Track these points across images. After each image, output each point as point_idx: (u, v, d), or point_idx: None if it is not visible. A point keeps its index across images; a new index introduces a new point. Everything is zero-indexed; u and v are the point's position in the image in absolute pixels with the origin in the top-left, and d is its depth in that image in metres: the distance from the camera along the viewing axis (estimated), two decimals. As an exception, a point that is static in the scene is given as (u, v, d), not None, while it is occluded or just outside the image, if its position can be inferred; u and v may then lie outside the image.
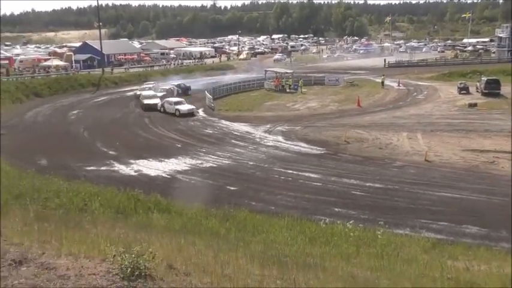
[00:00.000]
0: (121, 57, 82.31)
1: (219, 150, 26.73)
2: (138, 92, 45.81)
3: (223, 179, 21.17)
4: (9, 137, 31.37)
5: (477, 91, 44.18)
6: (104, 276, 4.83)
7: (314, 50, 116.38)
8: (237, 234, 12.16)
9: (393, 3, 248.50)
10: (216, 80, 57.97)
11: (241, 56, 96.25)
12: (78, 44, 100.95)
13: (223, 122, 35.46)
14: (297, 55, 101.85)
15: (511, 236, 13.89)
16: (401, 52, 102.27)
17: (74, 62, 73.64)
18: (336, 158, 24.90)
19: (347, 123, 32.61)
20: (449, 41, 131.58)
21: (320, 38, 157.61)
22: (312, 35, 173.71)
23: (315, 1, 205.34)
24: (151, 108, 39.70)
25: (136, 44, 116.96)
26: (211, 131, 32.41)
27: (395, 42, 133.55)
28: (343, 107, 40.87)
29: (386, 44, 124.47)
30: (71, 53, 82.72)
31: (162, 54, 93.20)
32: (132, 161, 24.63)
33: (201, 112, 40.12)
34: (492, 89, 42.38)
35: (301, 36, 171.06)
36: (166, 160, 24.70)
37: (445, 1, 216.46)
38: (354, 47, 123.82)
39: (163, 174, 22.30)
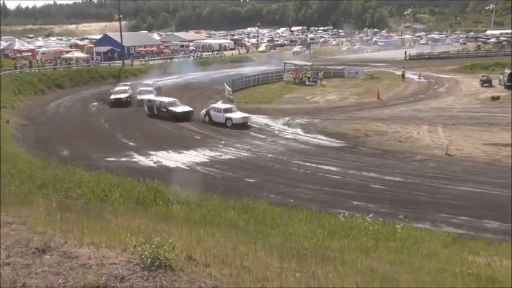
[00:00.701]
0: (141, 49, 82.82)
1: (238, 142, 26.78)
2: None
3: (242, 171, 21.23)
4: (32, 128, 31.97)
5: (500, 84, 43.24)
6: (124, 266, 4.87)
7: (333, 42, 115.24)
8: (256, 226, 12.18)
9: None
10: (235, 72, 58.00)
11: (260, 48, 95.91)
12: (98, 36, 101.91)
13: (242, 114, 35.43)
14: (316, 47, 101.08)
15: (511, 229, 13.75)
16: (422, 44, 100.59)
17: (94, 54, 74.38)
18: (355, 151, 24.75)
19: (366, 116, 32.33)
20: (471, 33, 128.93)
21: (340, 30, 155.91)
22: (331, 27, 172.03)
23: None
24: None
25: (156, 36, 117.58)
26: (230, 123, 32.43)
27: (416, 34, 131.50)
28: (362, 99, 40.52)
29: (407, 36, 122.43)
30: (92, 45, 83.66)
31: (182, 46, 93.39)
32: (151, 152, 24.85)
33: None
34: (515, 82, 41.47)
35: (321, 28, 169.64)
36: (185, 152, 24.86)
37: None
38: (374, 39, 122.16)
39: (183, 166, 22.44)
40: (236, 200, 15.18)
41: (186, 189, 15.97)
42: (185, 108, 33.58)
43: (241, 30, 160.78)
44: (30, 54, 68.14)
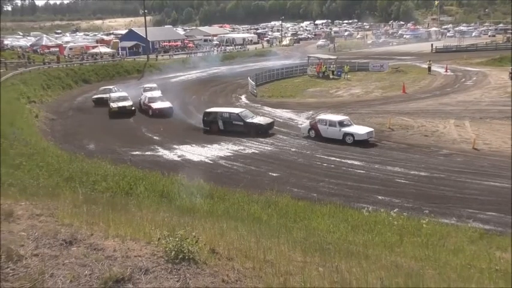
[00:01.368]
0: (165, 44, 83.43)
1: (261, 136, 26.77)
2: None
3: (265, 165, 21.22)
4: (60, 122, 32.59)
5: (529, 77, 42.19)
6: (149, 258, 4.94)
7: (358, 36, 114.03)
8: (279, 220, 12.18)
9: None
10: (258, 66, 57.96)
11: (284, 42, 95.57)
12: (124, 32, 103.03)
13: (266, 108, 35.46)
14: (341, 41, 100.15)
15: (511, 222, 13.51)
16: (449, 37, 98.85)
17: (120, 49, 75.32)
18: (380, 145, 24.49)
19: (391, 110, 31.94)
20: (500, 25, 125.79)
21: (364, 23, 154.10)
22: (356, 20, 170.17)
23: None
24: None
25: (180, 30, 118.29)
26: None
27: (443, 27, 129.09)
28: (387, 93, 40.03)
29: (433, 29, 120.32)
30: (117, 40, 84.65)
31: (205, 40, 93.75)
32: (175, 146, 25.07)
33: (243, 98, 40.24)
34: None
35: (345, 21, 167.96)
36: (209, 146, 24.99)
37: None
38: (400, 32, 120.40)
39: (206, 160, 22.57)
40: (259, 194, 15.21)
41: (210, 183, 16.09)
42: (266, 119, 28.55)
43: (265, 24, 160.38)
44: (57, 49, 69.35)
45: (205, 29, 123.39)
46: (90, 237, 5.51)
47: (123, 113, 33.20)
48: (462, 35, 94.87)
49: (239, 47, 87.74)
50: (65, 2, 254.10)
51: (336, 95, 40.56)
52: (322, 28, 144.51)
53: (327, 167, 20.84)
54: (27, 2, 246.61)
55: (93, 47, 74.46)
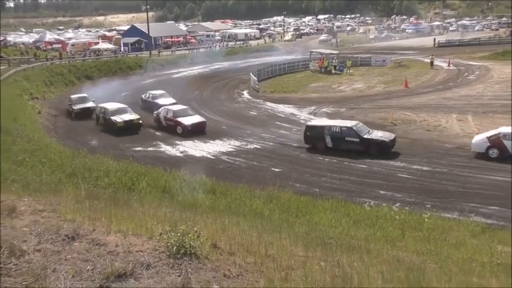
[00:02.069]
0: (168, 39, 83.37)
1: (263, 132, 26.77)
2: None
3: (267, 161, 21.25)
4: (63, 118, 32.65)
5: (533, 71, 42.00)
6: (150, 254, 4.97)
7: (361, 30, 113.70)
8: (281, 215, 12.21)
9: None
10: (260, 62, 57.90)
11: (286, 37, 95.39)
12: (126, 28, 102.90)
13: (268, 103, 35.44)
14: (343, 35, 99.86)
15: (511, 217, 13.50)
16: (452, 31, 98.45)
17: (122, 45, 75.30)
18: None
19: (394, 105, 31.87)
20: (504, 18, 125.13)
21: (367, 18, 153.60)
22: (358, 15, 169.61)
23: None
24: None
25: (182, 26, 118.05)
26: (255, 113, 32.47)
27: (446, 21, 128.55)
28: (390, 88, 39.94)
29: (436, 23, 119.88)
30: (120, 36, 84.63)
31: (208, 36, 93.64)
32: (177, 142, 25.09)
33: (245, 94, 40.23)
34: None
35: (348, 16, 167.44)
36: (211, 141, 25.01)
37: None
38: (402, 26, 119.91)
39: (208, 156, 22.60)
40: (261, 189, 15.23)
41: (212, 179, 16.12)
42: (387, 134, 23.00)
43: (267, 19, 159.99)
44: (60, 46, 69.39)
45: (208, 24, 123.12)
46: (92, 232, 5.54)
47: (130, 129, 27.69)
48: (465, 29, 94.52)
49: (241, 42, 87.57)
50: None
51: (338, 90, 40.49)
52: (325, 23, 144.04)
53: (329, 162, 20.84)
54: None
55: (96, 43, 74.48)
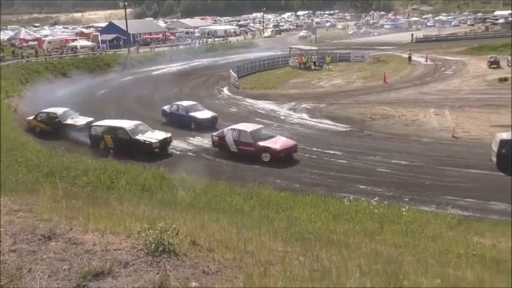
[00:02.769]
0: (146, 36, 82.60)
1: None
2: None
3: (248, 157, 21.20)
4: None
5: (508, 65, 42.68)
6: (129, 252, 4.95)
7: (340, 26, 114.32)
8: (261, 211, 12.25)
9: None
10: (240, 58, 57.82)
11: (266, 34, 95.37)
12: (104, 24, 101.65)
13: (248, 100, 35.42)
14: (322, 31, 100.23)
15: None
16: (429, 26, 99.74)
17: (100, 42, 74.33)
18: (362, 135, 24.67)
19: (373, 100, 32.20)
20: (479, 14, 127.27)
21: (346, 14, 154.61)
22: (337, 11, 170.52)
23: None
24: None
25: (161, 23, 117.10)
26: (236, 110, 32.41)
27: (423, 17, 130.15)
28: (368, 83, 40.31)
29: (413, 19, 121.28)
30: (97, 33, 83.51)
31: (187, 33, 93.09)
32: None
33: (225, 90, 40.12)
34: (524, 63, 40.87)
35: (327, 12, 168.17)
36: (191, 138, 24.89)
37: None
38: (381, 22, 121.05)
39: (189, 153, 22.50)
40: (242, 186, 15.24)
41: (192, 176, 16.06)
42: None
43: (246, 16, 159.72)
44: (36, 43, 68.16)
45: (187, 21, 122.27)
46: (69, 231, 5.50)
47: (163, 150, 22.34)
48: (442, 25, 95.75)
49: (221, 39, 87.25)
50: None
51: (317, 86, 40.70)
52: (304, 19, 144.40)
53: (309, 158, 20.92)
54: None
55: (73, 40, 73.38)
